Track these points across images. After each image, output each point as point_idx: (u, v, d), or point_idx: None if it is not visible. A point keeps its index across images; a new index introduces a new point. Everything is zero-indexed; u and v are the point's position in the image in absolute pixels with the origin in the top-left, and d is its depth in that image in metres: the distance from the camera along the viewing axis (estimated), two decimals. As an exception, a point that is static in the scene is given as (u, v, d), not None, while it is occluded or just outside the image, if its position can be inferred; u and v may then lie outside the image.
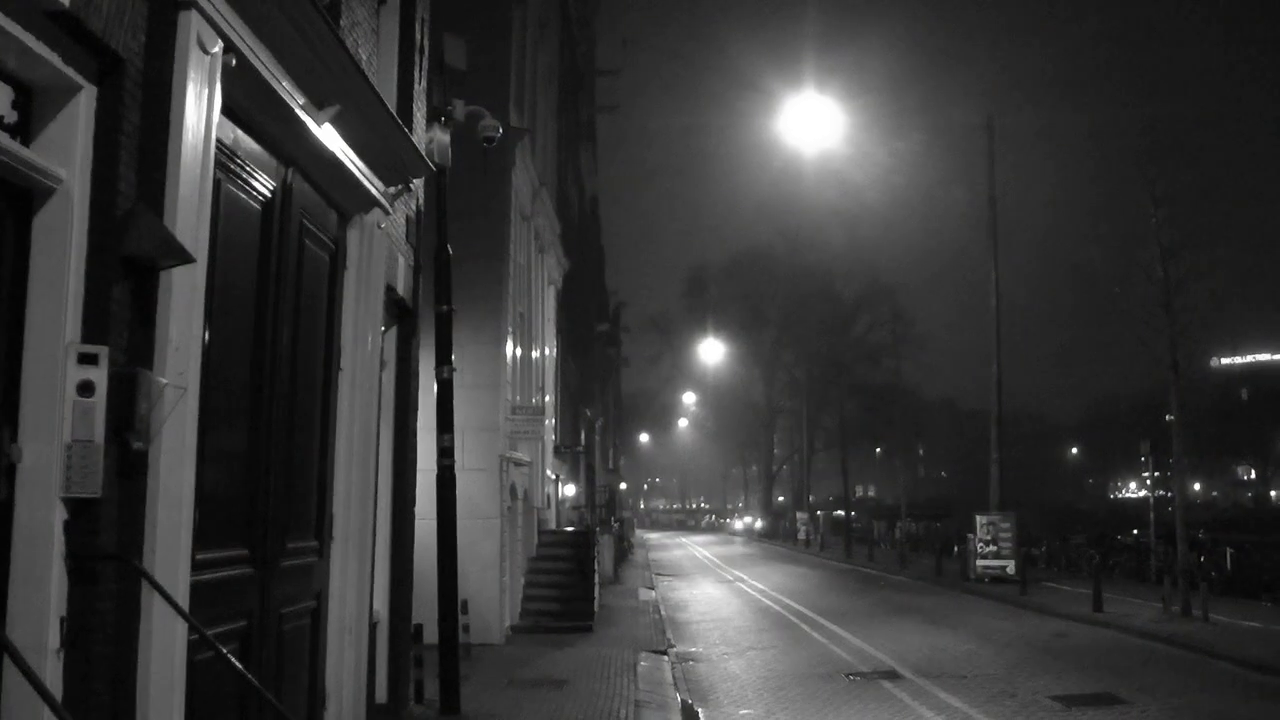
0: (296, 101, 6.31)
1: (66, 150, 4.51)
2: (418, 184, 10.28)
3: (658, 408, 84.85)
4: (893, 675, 13.52)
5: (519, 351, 18.93)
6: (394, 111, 8.47)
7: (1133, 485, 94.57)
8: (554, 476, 24.79)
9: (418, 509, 10.34)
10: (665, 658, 15.02)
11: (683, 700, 11.95)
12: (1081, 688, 12.47)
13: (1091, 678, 13.18)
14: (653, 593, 25.97)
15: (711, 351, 66.14)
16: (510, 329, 17.45)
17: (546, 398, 22.28)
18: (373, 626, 8.57)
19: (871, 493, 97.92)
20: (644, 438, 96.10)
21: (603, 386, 46.03)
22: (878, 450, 70.74)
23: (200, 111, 5.14)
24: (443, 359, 10.71)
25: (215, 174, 5.44)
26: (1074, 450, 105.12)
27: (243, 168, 6.08)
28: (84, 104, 4.56)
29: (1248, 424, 75.26)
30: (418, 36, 10.42)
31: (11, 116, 4.38)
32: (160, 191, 4.89)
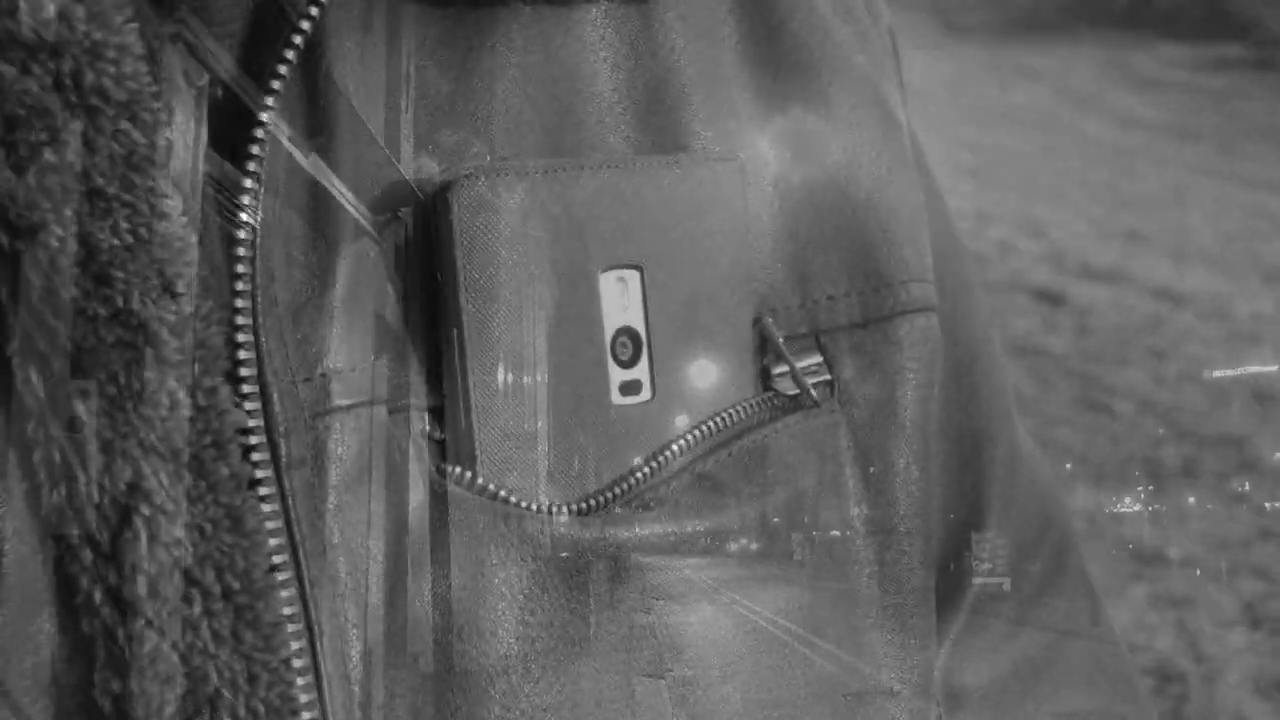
0: (283, 132, 6.30)
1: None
2: (405, 214, 10.30)
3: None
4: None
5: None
6: (380, 140, 8.48)
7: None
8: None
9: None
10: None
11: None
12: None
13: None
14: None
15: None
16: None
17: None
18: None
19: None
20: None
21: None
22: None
23: (185, 144, 5.12)
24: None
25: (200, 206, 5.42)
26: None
27: (229, 199, 6.05)
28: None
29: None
30: (404, 64, 10.46)
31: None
32: (145, 224, 4.86)
